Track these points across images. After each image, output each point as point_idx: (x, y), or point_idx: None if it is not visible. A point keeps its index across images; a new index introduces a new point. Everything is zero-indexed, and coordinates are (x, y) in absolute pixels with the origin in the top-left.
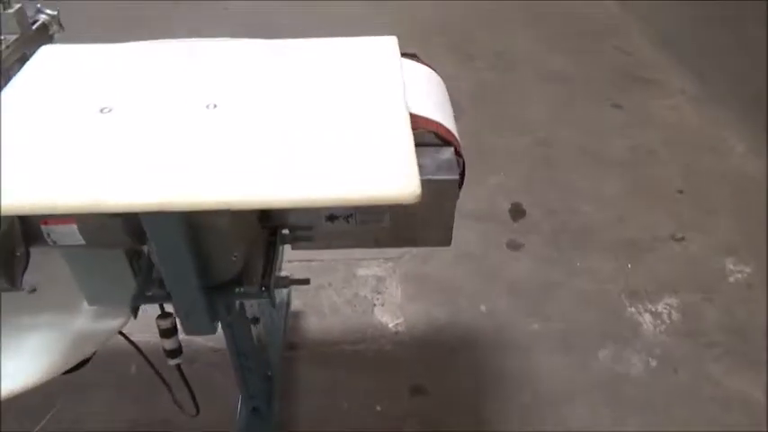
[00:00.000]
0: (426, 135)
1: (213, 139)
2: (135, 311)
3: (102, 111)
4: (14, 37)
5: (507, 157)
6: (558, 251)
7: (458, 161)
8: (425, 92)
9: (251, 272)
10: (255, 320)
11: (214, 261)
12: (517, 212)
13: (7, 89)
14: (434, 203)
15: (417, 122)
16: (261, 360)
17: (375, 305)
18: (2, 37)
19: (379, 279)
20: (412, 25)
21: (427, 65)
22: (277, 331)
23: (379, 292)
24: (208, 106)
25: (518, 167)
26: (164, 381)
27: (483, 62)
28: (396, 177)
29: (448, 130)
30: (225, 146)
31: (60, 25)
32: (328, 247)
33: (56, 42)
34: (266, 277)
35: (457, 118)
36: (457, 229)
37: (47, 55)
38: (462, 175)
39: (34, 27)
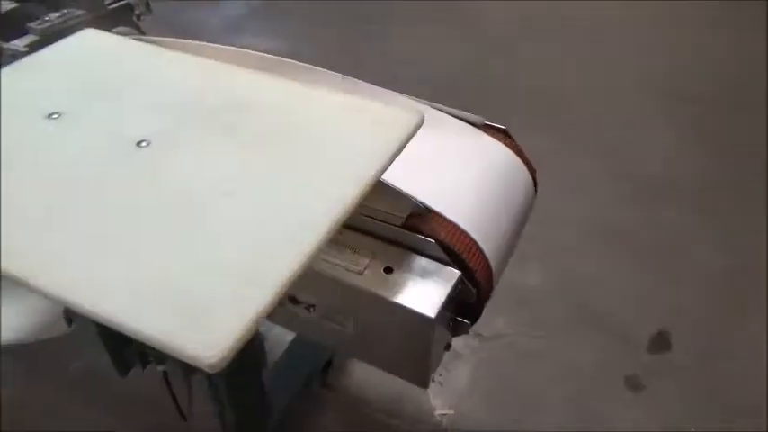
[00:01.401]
0: (430, 244)
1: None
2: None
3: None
4: (78, 12)
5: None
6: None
7: (469, 291)
8: (472, 184)
9: None
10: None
11: None
12: (659, 341)
13: None
14: (405, 336)
15: (428, 222)
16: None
17: (432, 381)
18: (64, 11)
19: (456, 355)
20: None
21: (518, 152)
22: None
23: (445, 369)
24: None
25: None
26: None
27: None
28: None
29: (470, 246)
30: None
31: (148, 8)
32: (290, 328)
33: (141, 24)
34: None
35: None
36: (572, 330)
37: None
38: (476, 309)
39: (112, 6)
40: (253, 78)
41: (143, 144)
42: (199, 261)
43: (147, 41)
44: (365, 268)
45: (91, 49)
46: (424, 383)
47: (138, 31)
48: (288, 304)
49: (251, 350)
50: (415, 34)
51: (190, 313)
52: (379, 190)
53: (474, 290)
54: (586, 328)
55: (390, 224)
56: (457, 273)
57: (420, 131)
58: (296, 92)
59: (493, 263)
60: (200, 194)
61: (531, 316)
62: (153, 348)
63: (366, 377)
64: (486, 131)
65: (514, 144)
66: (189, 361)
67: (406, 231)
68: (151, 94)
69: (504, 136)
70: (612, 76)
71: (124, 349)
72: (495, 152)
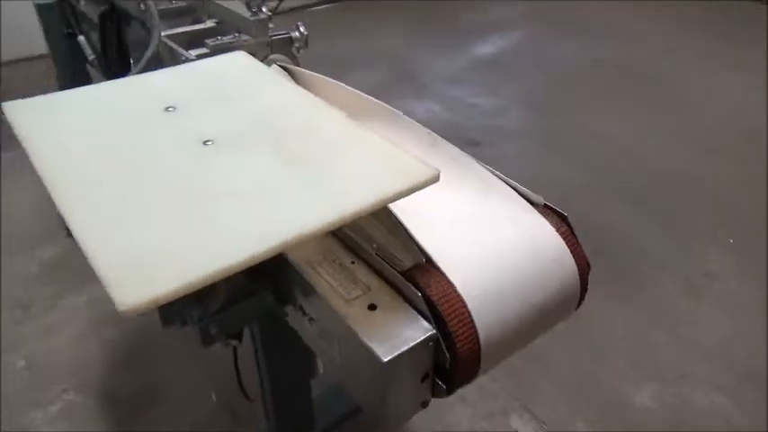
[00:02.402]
0: (417, 296)
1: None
2: None
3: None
4: (246, 38)
5: None
6: None
7: (443, 355)
8: (494, 253)
9: None
10: None
11: None
12: None
13: None
14: (366, 375)
15: (426, 276)
16: None
17: None
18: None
19: None
20: None
21: (572, 244)
22: None
23: None
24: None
25: None
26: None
27: None
28: None
29: (459, 311)
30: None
31: (306, 44)
32: (308, 343)
33: (298, 58)
34: None
35: None
36: None
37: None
38: (453, 379)
39: (275, 37)
40: (325, 114)
41: (208, 143)
42: (182, 230)
43: (287, 69)
44: (354, 298)
45: (231, 66)
46: (386, 429)
47: (293, 61)
48: (297, 312)
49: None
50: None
51: (140, 265)
52: (399, 234)
53: (447, 355)
54: None
55: (393, 267)
56: (431, 330)
57: (471, 193)
58: (347, 130)
59: (484, 339)
60: (222, 187)
61: None
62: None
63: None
64: (543, 213)
65: (571, 235)
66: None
67: (401, 277)
68: (242, 106)
69: (560, 221)
70: None
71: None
72: (540, 233)
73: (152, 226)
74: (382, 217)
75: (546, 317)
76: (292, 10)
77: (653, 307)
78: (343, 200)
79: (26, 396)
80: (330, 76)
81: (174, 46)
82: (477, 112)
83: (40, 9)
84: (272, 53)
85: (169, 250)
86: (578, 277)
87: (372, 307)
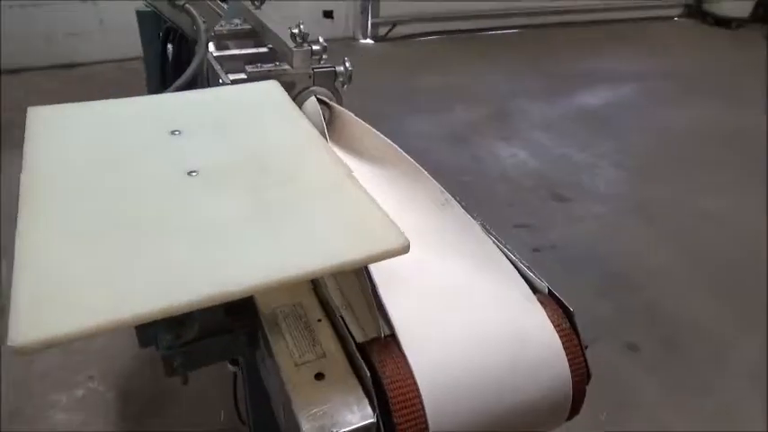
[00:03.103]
0: (366, 376)
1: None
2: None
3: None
4: (286, 67)
5: None
6: None
7: None
8: (472, 343)
9: None
10: None
11: None
12: None
13: None
14: None
15: (384, 354)
16: None
17: None
18: (277, 63)
19: None
20: None
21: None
22: None
23: None
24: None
25: None
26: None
27: None
28: None
29: (410, 402)
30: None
31: (350, 79)
32: None
33: (340, 93)
34: None
35: None
36: None
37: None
38: None
39: (317, 70)
40: (319, 159)
41: (193, 173)
42: (116, 268)
43: (327, 104)
44: (304, 363)
45: (256, 95)
46: None
47: (335, 96)
48: (261, 361)
49: None
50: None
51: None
52: (368, 297)
53: None
54: None
55: (352, 335)
56: (370, 419)
57: (466, 266)
58: (334, 180)
59: None
60: (192, 219)
61: None
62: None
63: None
64: (545, 303)
65: (572, 334)
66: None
67: (354, 348)
68: (243, 139)
69: (563, 317)
70: None
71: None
72: (532, 326)
73: (90, 258)
74: (359, 275)
75: (522, 423)
76: (404, 37)
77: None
78: (292, 260)
79: (55, 376)
80: (427, 108)
81: (217, 68)
82: (566, 164)
83: (138, 15)
84: (314, 85)
85: (91, 288)
86: (571, 385)
87: (320, 376)
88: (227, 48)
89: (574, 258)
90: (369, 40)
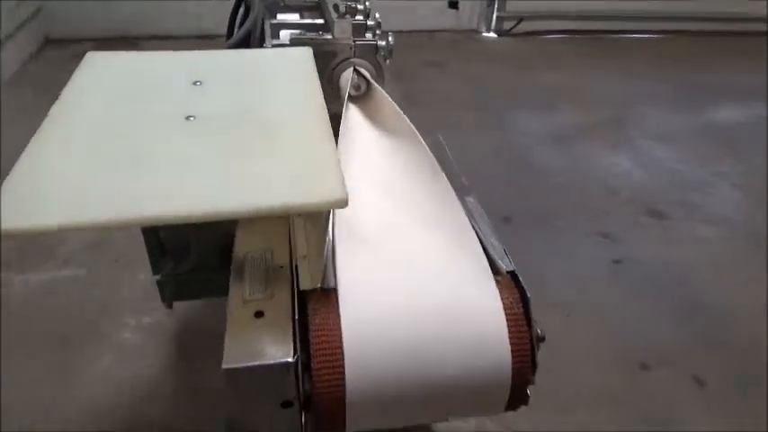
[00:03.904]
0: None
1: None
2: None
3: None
4: (327, 36)
5: None
6: None
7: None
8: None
9: None
10: None
11: None
12: None
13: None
14: None
15: (322, 301)
16: None
17: None
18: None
19: None
20: None
21: (517, 327)
22: None
23: None
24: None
25: None
26: None
27: None
28: None
29: (331, 351)
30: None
31: (390, 54)
32: None
33: (382, 67)
34: None
35: None
36: None
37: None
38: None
39: (358, 42)
40: (303, 122)
41: (191, 118)
42: (102, 182)
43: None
44: (250, 300)
45: (285, 58)
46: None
47: (377, 69)
48: None
49: None
50: None
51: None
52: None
53: (301, 390)
54: None
55: (297, 281)
56: (288, 357)
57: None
58: (308, 138)
59: (353, 392)
60: (165, 152)
61: None
62: None
63: None
64: (504, 284)
65: (522, 319)
66: None
67: (292, 292)
68: (252, 94)
69: (517, 302)
70: None
71: None
72: (480, 304)
73: (78, 169)
74: (325, 227)
75: (451, 400)
76: (529, 33)
77: None
78: (234, 195)
79: (133, 303)
80: (537, 105)
81: (268, 32)
82: (676, 180)
83: None
84: (355, 57)
85: (78, 193)
86: (510, 370)
87: (259, 314)
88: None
89: (659, 279)
90: (492, 34)
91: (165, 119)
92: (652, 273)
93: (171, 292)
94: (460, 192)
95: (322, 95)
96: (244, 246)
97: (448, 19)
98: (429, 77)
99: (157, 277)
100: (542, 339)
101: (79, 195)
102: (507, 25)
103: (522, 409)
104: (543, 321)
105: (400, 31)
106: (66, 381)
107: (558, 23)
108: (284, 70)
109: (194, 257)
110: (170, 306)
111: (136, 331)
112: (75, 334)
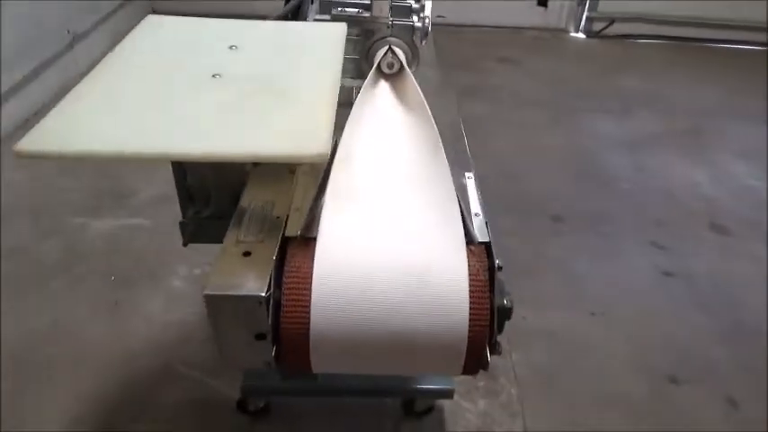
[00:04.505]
0: (275, 260)
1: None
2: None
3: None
4: (366, 15)
5: None
6: None
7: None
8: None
9: None
10: None
11: None
12: None
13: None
14: None
15: (304, 249)
16: None
17: None
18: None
19: None
20: None
21: (479, 294)
22: None
23: None
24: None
25: None
26: None
27: None
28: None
29: (299, 291)
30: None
31: (426, 35)
32: None
33: (419, 48)
34: None
35: None
36: None
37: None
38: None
39: (396, 21)
40: (314, 88)
41: (216, 76)
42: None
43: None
44: (243, 241)
45: (320, 32)
46: (222, 361)
47: (413, 49)
48: None
49: None
50: None
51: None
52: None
53: (269, 322)
54: None
55: (285, 227)
56: (261, 292)
57: (418, 203)
58: (312, 99)
59: (317, 332)
60: (184, 103)
61: None
62: None
63: None
64: (475, 253)
65: (484, 287)
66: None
67: (277, 237)
68: (275, 61)
69: (483, 270)
70: None
71: None
72: (446, 269)
73: (111, 114)
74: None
75: (408, 354)
76: (620, 36)
77: None
78: (228, 142)
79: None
80: (615, 109)
81: (312, 7)
82: (749, 197)
83: None
84: (392, 36)
85: (100, 130)
86: (467, 333)
87: (247, 254)
88: None
89: (708, 295)
90: (580, 35)
91: (195, 75)
92: (702, 288)
93: (190, 233)
94: (462, 168)
95: (340, 68)
96: (250, 196)
97: (536, 17)
98: (501, 74)
99: (181, 219)
100: (509, 311)
101: (92, 129)
102: (598, 26)
103: (530, 402)
104: (573, 320)
105: (483, 26)
106: (117, 318)
107: (654, 28)
108: (315, 42)
109: (214, 205)
110: (185, 245)
111: (186, 280)
112: (132, 277)
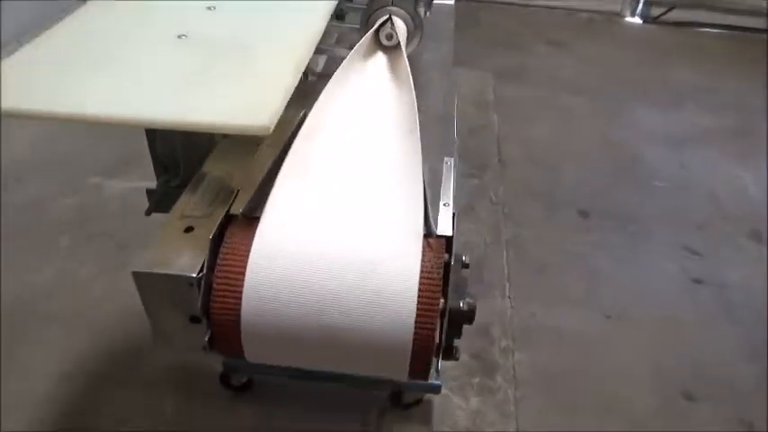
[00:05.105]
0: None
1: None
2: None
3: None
4: None
5: None
6: None
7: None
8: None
9: None
10: None
11: None
12: None
13: None
14: None
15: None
16: None
17: None
18: None
19: None
20: None
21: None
22: None
23: None
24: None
25: None
26: None
27: None
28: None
29: (234, 276)
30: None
31: (429, 7)
32: None
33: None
34: None
35: None
36: None
37: None
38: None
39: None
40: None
41: (182, 36)
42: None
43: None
44: (187, 216)
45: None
46: (154, 341)
47: (414, 22)
48: None
49: None
50: None
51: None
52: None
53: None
54: None
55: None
56: (192, 273)
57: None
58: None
59: (248, 317)
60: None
61: None
62: None
63: None
64: (433, 246)
65: (436, 283)
66: None
67: (220, 214)
68: (250, 22)
69: (437, 265)
70: None
71: None
72: (394, 260)
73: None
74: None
75: (353, 354)
76: (679, 24)
77: None
78: (170, 108)
79: None
80: (663, 102)
81: None
82: None
83: None
84: (393, 5)
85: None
86: (412, 333)
87: (189, 229)
88: None
89: (738, 307)
90: (636, 19)
91: (160, 35)
92: (733, 299)
93: (155, 201)
94: (442, 152)
95: (318, 35)
96: (211, 165)
97: None
98: (546, 56)
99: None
100: (467, 314)
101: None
102: (656, 12)
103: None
104: (585, 321)
105: (532, 6)
106: (120, 278)
107: (718, 16)
108: (300, 6)
109: (182, 174)
110: (148, 214)
111: None
112: (136, 240)
